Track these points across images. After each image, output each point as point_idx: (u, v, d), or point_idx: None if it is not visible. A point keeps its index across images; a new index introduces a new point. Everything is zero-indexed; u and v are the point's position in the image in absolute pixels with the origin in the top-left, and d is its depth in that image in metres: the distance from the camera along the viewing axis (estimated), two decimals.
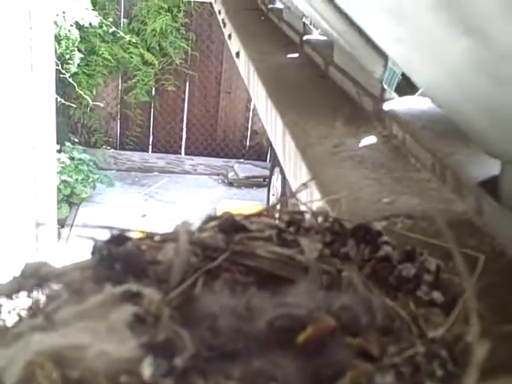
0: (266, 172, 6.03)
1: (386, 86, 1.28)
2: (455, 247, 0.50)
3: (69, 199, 5.14)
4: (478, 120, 0.73)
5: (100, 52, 5.58)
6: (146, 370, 0.43)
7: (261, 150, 6.46)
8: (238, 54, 2.15)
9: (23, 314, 0.56)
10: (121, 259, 0.57)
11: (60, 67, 5.13)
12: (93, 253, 0.59)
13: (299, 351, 0.49)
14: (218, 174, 6.37)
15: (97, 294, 0.52)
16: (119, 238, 0.59)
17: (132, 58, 5.72)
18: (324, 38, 1.84)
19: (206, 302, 0.56)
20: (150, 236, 0.64)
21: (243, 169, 6.27)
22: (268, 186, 5.68)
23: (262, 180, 6.12)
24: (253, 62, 1.79)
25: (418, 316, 0.55)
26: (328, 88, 1.50)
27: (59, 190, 4.78)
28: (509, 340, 0.52)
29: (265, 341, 0.51)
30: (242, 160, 6.43)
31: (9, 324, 0.54)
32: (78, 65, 5.40)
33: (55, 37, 4.61)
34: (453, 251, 0.49)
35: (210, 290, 0.59)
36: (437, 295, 0.57)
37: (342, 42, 1.39)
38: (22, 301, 0.57)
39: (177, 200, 5.55)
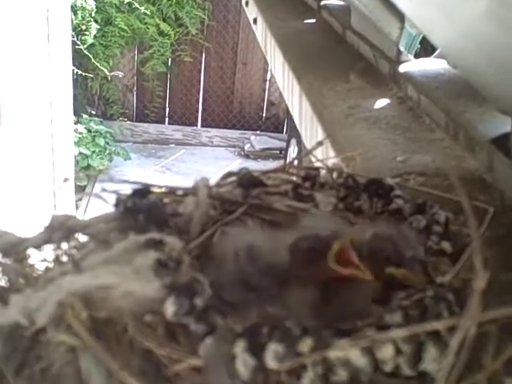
0: (283, 144, 6.02)
1: (405, 51, 1.29)
2: (465, 199, 0.51)
3: (86, 171, 5.18)
4: (491, 77, 0.74)
5: (116, 22, 5.56)
6: (169, 308, 0.46)
7: (277, 122, 6.44)
8: (255, 21, 2.15)
9: (52, 263, 0.59)
10: (144, 211, 0.59)
11: (76, 38, 5.14)
12: (116, 205, 0.61)
13: (319, 286, 0.51)
14: (235, 146, 6.37)
15: (122, 242, 0.55)
16: (142, 192, 0.62)
17: (148, 28, 5.69)
18: (341, 2, 1.84)
19: (232, 236, 0.58)
20: (171, 190, 0.66)
21: (259, 141, 6.26)
22: (284, 157, 5.67)
23: (278, 152, 6.11)
24: (270, 28, 1.79)
25: (428, 264, 0.57)
26: (345, 52, 1.51)
27: (76, 162, 4.82)
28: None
29: (287, 274, 0.53)
30: (258, 132, 6.42)
31: (39, 272, 0.57)
32: (95, 36, 5.40)
33: (71, 7, 4.61)
34: (463, 203, 0.51)
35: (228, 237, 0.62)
36: (446, 245, 0.59)
37: (359, 5, 1.40)
38: (51, 251, 0.60)
39: (193, 172, 5.56)
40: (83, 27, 5.28)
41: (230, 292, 0.52)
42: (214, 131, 6.39)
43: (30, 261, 0.59)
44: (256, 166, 5.94)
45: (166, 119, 6.35)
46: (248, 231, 0.61)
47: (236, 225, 0.62)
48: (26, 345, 0.48)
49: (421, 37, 2.40)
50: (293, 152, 5.35)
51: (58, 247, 0.60)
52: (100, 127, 5.44)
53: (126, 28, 5.61)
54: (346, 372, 0.40)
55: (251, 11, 2.30)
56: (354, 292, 0.52)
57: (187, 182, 0.67)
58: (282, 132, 6.38)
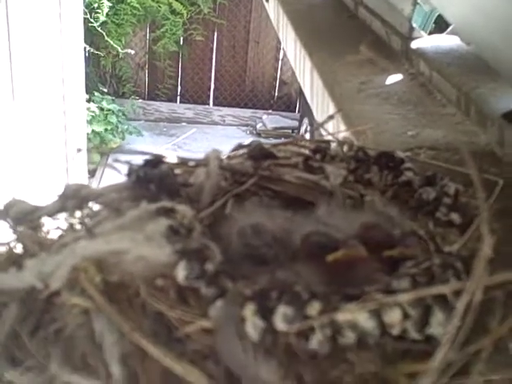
0: (295, 123, 6.01)
1: (419, 29, 1.28)
2: (474, 171, 0.51)
3: (98, 149, 5.20)
4: (504, 52, 0.73)
5: (128, 1, 5.54)
6: (180, 273, 0.47)
7: (289, 101, 6.42)
8: None
9: (66, 231, 0.60)
10: (155, 180, 0.60)
11: (89, 16, 5.13)
12: (129, 175, 0.62)
13: (326, 267, 0.52)
14: (247, 125, 6.36)
15: (134, 210, 0.56)
16: (154, 162, 0.63)
17: (160, 7, 5.67)
18: None
19: (237, 220, 0.59)
20: (182, 161, 0.67)
21: (271, 120, 6.25)
22: (298, 135, 5.66)
23: (290, 131, 6.10)
24: (282, 5, 1.78)
25: (436, 234, 0.57)
26: (357, 28, 1.50)
27: (89, 139, 4.84)
28: None
29: (295, 253, 0.54)
30: (270, 111, 6.40)
31: (53, 239, 0.58)
32: (107, 14, 5.38)
33: None
34: (472, 175, 0.51)
35: (240, 210, 0.62)
36: (455, 216, 0.59)
37: None
38: (65, 220, 0.61)
39: (205, 151, 5.55)
40: (95, 5, 5.26)
41: (238, 265, 0.52)
42: (225, 110, 6.38)
43: (44, 229, 0.60)
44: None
45: (178, 98, 6.34)
46: (257, 211, 0.61)
47: (244, 206, 0.63)
48: (41, 307, 0.49)
49: (435, 15, 2.38)
50: (305, 131, 5.34)
51: (72, 215, 0.61)
52: (112, 105, 5.45)
53: (138, 6, 5.59)
54: (353, 334, 0.41)
55: None
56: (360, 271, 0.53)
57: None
58: (295, 111, 6.36)
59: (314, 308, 0.42)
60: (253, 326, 0.42)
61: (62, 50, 3.61)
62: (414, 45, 1.19)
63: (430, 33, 2.09)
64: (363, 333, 0.41)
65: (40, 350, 0.47)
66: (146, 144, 5.65)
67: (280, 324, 0.41)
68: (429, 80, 1.08)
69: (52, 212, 0.61)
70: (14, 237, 0.57)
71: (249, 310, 0.43)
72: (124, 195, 0.61)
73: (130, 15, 5.63)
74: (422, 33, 1.26)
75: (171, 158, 0.67)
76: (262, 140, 6.00)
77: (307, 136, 5.04)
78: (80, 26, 4.05)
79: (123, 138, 5.45)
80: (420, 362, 0.41)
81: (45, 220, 0.61)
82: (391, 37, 1.31)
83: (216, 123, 6.36)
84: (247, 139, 5.98)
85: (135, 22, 5.70)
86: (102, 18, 5.36)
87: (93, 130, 5.04)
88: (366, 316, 0.41)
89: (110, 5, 5.42)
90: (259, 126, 6.21)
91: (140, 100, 6.15)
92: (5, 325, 0.48)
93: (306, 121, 5.40)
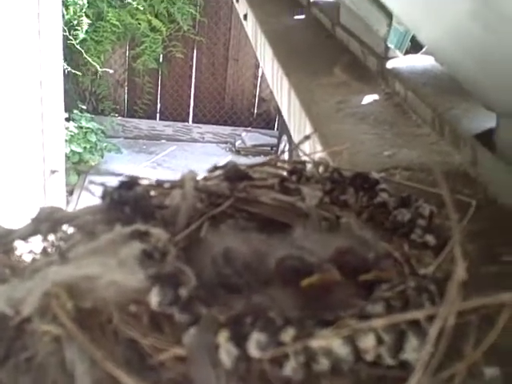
0: (274, 140, 6.03)
1: (395, 48, 1.30)
2: (447, 192, 0.52)
3: (76, 167, 5.17)
4: (476, 74, 0.75)
5: (108, 18, 5.55)
6: (154, 298, 0.46)
7: (268, 118, 6.45)
8: (245, 17, 2.15)
9: (39, 254, 0.59)
10: (130, 203, 0.59)
11: (68, 33, 5.12)
12: (103, 197, 0.61)
13: (300, 292, 0.52)
14: (226, 142, 6.37)
15: (107, 233, 0.55)
16: (129, 183, 0.62)
17: (140, 24, 5.68)
18: None
19: (212, 243, 0.59)
20: (158, 183, 0.66)
21: (251, 137, 6.27)
22: (275, 154, 5.68)
23: (269, 148, 6.12)
24: (260, 24, 1.80)
25: (411, 257, 0.57)
26: (334, 48, 1.51)
27: (67, 157, 4.81)
28: (493, 278, 0.55)
29: (269, 278, 0.54)
30: (249, 128, 6.43)
31: (26, 263, 0.57)
32: (86, 31, 5.38)
33: (62, 2, 4.59)
34: (444, 196, 0.52)
35: (215, 233, 0.62)
36: (429, 238, 0.59)
37: (348, 1, 1.40)
38: (38, 243, 0.60)
39: (184, 168, 5.51)
40: (75, 22, 5.25)
41: (213, 291, 0.52)
42: (205, 127, 6.39)
43: (17, 252, 0.59)
44: (247, 162, 5.93)
45: (158, 115, 6.34)
46: (232, 234, 0.61)
47: (220, 229, 0.62)
48: (11, 334, 0.48)
49: (411, 34, 2.41)
50: (284, 148, 5.36)
51: (45, 239, 0.60)
52: (91, 123, 5.43)
53: (117, 23, 5.60)
54: (327, 361, 0.41)
55: (242, 7, 2.31)
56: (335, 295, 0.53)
57: (177, 177, 0.67)
58: (274, 129, 6.39)
59: (288, 334, 0.42)
60: (226, 353, 0.42)
61: (41, 68, 3.59)
62: (389, 65, 1.21)
63: (407, 52, 2.12)
64: (337, 359, 0.41)
65: (10, 379, 0.47)
66: (126, 161, 5.63)
67: (254, 351, 0.41)
68: (404, 100, 1.09)
69: (25, 235, 0.60)
70: None
71: (222, 337, 0.42)
72: (98, 218, 0.61)
73: (110, 32, 5.63)
74: (398, 53, 1.27)
75: (147, 178, 0.67)
76: (242, 157, 6.01)
77: (286, 154, 5.05)
78: (59, 44, 4.04)
79: (102, 156, 5.43)
80: None
81: (18, 243, 0.60)
82: (367, 57, 1.33)
83: (195, 140, 6.37)
84: (226, 156, 5.99)
85: (114, 40, 5.70)
86: (82, 36, 5.36)
87: (71, 150, 5.02)
88: (340, 342, 0.41)
89: (90, 22, 5.42)
90: (238, 143, 6.23)
91: (119, 117, 6.14)
92: None
93: (284, 138, 5.42)
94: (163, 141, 6.29)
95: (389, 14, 1.25)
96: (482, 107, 0.82)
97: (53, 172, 3.77)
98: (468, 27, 0.67)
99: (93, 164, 5.29)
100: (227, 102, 6.40)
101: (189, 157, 5.99)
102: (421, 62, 1.17)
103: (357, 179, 0.67)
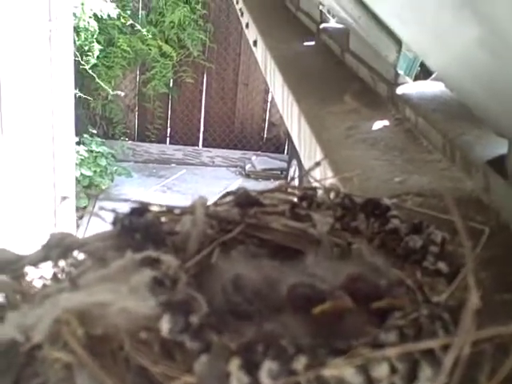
0: (284, 164, 6.04)
1: (405, 73, 1.30)
2: (459, 219, 0.51)
3: (87, 191, 5.20)
4: (486, 101, 0.75)
5: (118, 44, 5.62)
6: (165, 326, 0.46)
7: (278, 142, 6.47)
8: (255, 43, 2.18)
9: (49, 280, 0.59)
10: (141, 229, 0.60)
11: (80, 59, 5.18)
12: (114, 223, 0.62)
13: (312, 320, 0.52)
14: (236, 166, 6.39)
15: (118, 260, 0.55)
16: (139, 210, 0.62)
17: (150, 49, 5.75)
18: (340, 25, 1.86)
19: (222, 270, 0.59)
20: (168, 209, 0.67)
21: (260, 161, 6.29)
22: (285, 178, 5.69)
23: (279, 172, 6.13)
24: (270, 51, 1.81)
25: (424, 284, 0.57)
26: (344, 74, 1.52)
27: (78, 181, 4.84)
28: (507, 306, 0.55)
29: (280, 305, 0.53)
30: (259, 152, 6.45)
31: (36, 289, 0.57)
32: (97, 56, 5.45)
33: (74, 28, 4.66)
34: (456, 223, 0.51)
35: (226, 259, 0.62)
36: (442, 265, 0.59)
37: (358, 28, 1.41)
38: (48, 269, 0.60)
39: (194, 192, 5.58)
40: (86, 48, 5.32)
41: (224, 318, 0.52)
42: (215, 151, 6.42)
43: (28, 278, 0.59)
44: (257, 186, 5.95)
45: (168, 139, 6.38)
46: (243, 261, 0.61)
47: (231, 255, 0.62)
48: (22, 361, 0.48)
49: (420, 60, 2.42)
50: (294, 172, 5.37)
51: (56, 265, 0.60)
52: (102, 148, 5.47)
53: (128, 49, 5.67)
54: None
55: (251, 33, 2.33)
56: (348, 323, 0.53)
57: (188, 202, 0.67)
58: (283, 153, 6.41)
59: (300, 363, 0.41)
60: (238, 381, 0.41)
61: (53, 94, 3.63)
62: (399, 91, 1.21)
63: (416, 77, 2.13)
64: None
65: None
66: (136, 185, 5.65)
67: (265, 380, 0.41)
68: (414, 126, 1.09)
69: (35, 261, 0.60)
70: None
71: (234, 365, 0.42)
72: (109, 244, 0.61)
73: (121, 58, 5.70)
74: (408, 79, 1.28)
75: (157, 204, 0.67)
76: (252, 181, 6.02)
77: (296, 179, 5.06)
78: (71, 70, 4.09)
79: (112, 180, 5.46)
80: None
81: (28, 269, 0.60)
82: (377, 83, 1.33)
83: (205, 164, 6.39)
84: (236, 180, 6.00)
85: (125, 65, 5.76)
86: (93, 61, 5.42)
87: (81, 173, 5.04)
88: (353, 371, 0.40)
89: (101, 48, 5.49)
90: (248, 167, 6.24)
91: (130, 141, 6.18)
92: None
93: (294, 162, 5.43)
94: (173, 165, 6.32)
95: (398, 41, 1.26)
96: (493, 133, 0.82)
97: (63, 198, 3.80)
98: (476, 54, 0.68)
99: (103, 188, 5.31)
100: (237, 126, 6.44)
101: (199, 180, 6.01)
102: (431, 88, 1.18)
103: (368, 205, 0.67)
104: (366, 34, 1.39)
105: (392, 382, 0.41)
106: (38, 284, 0.59)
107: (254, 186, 5.94)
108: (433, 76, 1.26)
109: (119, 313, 0.47)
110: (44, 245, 0.61)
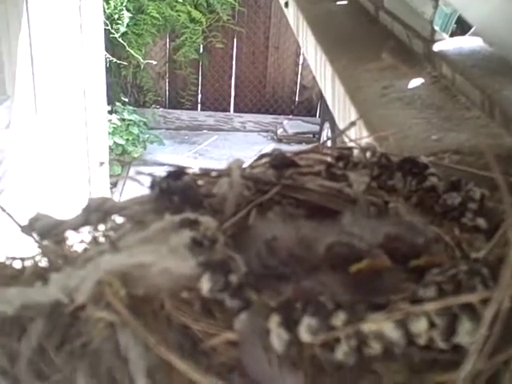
0: (316, 128, 5.99)
1: (440, 30, 1.27)
2: (499, 175, 0.51)
3: (120, 158, 5.24)
4: None
5: (148, 11, 5.59)
6: (205, 285, 0.47)
7: (310, 106, 6.41)
8: (286, 4, 2.14)
9: (90, 244, 0.60)
10: (178, 192, 0.60)
11: (110, 27, 5.18)
12: (151, 187, 0.62)
13: (350, 278, 0.52)
14: (268, 131, 6.36)
15: (157, 222, 0.56)
16: (177, 173, 0.63)
17: (179, 15, 5.71)
18: None
19: (260, 231, 0.59)
20: (205, 172, 0.67)
21: (292, 125, 6.24)
22: (318, 141, 5.65)
23: (311, 136, 6.08)
24: (302, 11, 1.78)
25: (462, 240, 0.57)
26: (378, 33, 1.49)
27: (111, 149, 4.88)
28: None
29: (318, 264, 0.54)
30: (291, 116, 6.40)
31: (78, 253, 0.59)
32: (127, 24, 5.44)
33: None
34: (497, 179, 0.50)
35: (263, 221, 0.62)
36: (481, 222, 0.58)
37: None
38: (89, 233, 0.61)
39: (227, 157, 5.58)
40: (116, 16, 5.31)
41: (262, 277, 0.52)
42: (246, 116, 6.39)
43: (69, 242, 0.61)
44: (290, 150, 5.91)
45: (199, 105, 6.37)
46: (280, 222, 0.61)
47: (268, 216, 0.62)
48: (66, 322, 0.49)
49: (457, 16, 2.36)
50: (326, 136, 5.33)
51: (95, 229, 0.61)
52: (133, 116, 5.50)
53: (157, 16, 5.63)
54: (379, 345, 0.40)
55: None
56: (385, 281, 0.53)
57: (221, 167, 0.68)
58: (315, 116, 6.35)
59: (339, 319, 0.41)
60: (278, 337, 0.42)
61: (84, 62, 3.65)
62: (436, 47, 1.18)
63: (452, 34, 2.07)
64: (389, 343, 0.41)
65: (66, 365, 0.48)
66: (168, 153, 5.68)
67: (305, 335, 0.41)
68: (452, 83, 1.07)
69: (76, 226, 0.62)
70: (39, 251, 0.57)
71: (273, 322, 0.42)
72: (147, 208, 0.61)
73: (150, 25, 5.67)
74: (445, 35, 1.25)
75: (193, 168, 0.67)
76: (284, 145, 5.99)
77: (329, 142, 5.02)
78: (101, 38, 4.10)
79: (145, 148, 5.49)
80: (448, 372, 0.41)
81: (69, 234, 0.61)
82: (413, 40, 1.31)
83: (237, 130, 6.38)
84: (268, 145, 5.98)
85: (155, 32, 5.74)
86: (123, 29, 5.41)
87: (114, 142, 5.09)
88: (392, 326, 0.41)
89: (130, 15, 5.47)
90: (280, 131, 6.21)
91: (161, 109, 6.19)
92: (31, 340, 0.49)
93: (327, 125, 5.38)
94: (205, 131, 6.32)
95: None
96: None
97: (101, 164, 3.84)
98: None
99: (136, 156, 5.35)
100: (268, 91, 6.39)
101: (231, 146, 6.01)
102: (468, 43, 1.15)
103: (405, 164, 0.66)
104: None
105: (430, 336, 0.41)
106: (78, 248, 0.60)
107: (286, 150, 5.89)
108: (471, 31, 1.23)
109: (160, 273, 0.48)
110: (84, 209, 0.62)
